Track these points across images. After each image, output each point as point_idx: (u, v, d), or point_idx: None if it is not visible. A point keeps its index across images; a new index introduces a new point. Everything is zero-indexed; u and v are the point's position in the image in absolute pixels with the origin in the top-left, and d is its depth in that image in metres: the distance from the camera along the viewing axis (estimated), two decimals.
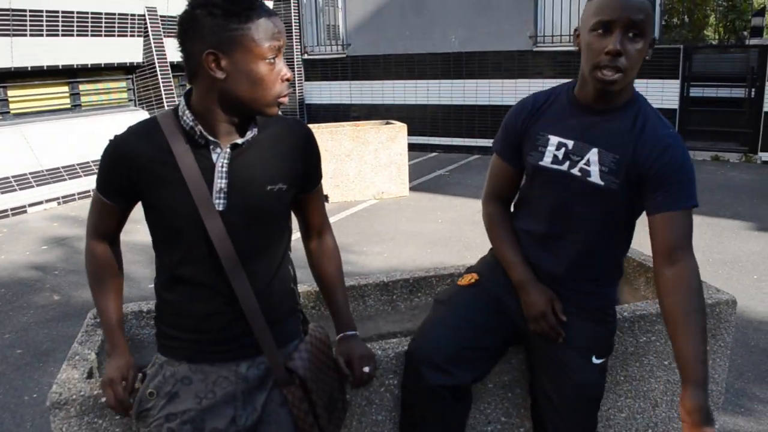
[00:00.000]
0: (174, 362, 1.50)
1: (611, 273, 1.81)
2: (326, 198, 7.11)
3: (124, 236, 1.62)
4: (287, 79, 1.42)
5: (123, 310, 1.64)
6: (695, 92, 9.00)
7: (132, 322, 2.13)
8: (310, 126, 7.82)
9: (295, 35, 11.18)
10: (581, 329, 1.75)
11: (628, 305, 2.05)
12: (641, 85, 8.48)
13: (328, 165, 7.04)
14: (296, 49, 11.21)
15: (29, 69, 7.44)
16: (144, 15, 8.46)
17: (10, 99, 7.60)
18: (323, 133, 7.02)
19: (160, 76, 8.76)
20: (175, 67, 8.85)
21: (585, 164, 1.63)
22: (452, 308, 1.81)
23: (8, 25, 7.00)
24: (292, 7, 11.07)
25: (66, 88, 8.18)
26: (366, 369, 1.66)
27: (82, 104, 8.42)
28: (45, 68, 7.55)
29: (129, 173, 1.42)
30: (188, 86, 1.48)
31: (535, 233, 1.77)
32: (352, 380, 1.67)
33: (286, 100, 1.45)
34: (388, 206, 6.92)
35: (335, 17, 11.12)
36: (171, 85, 8.95)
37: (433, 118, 10.38)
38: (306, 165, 1.57)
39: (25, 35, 7.20)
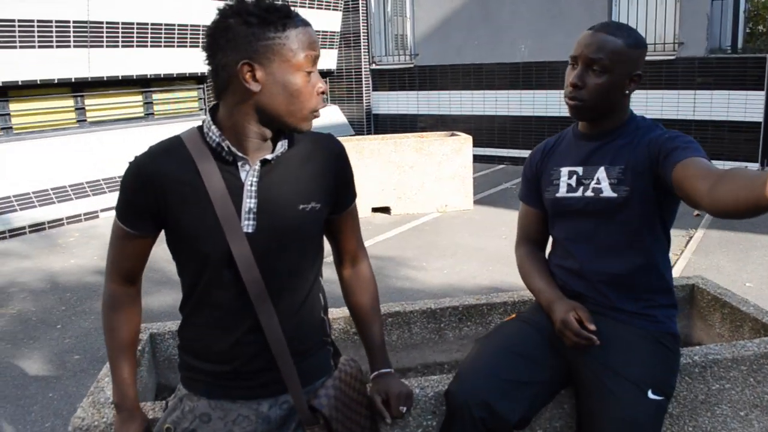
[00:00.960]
0: (194, 397, 1.42)
1: (658, 289, 1.74)
2: (388, 210, 7.04)
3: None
4: (322, 92, 1.34)
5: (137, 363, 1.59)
6: None
7: (168, 342, 2.08)
8: (377, 136, 7.84)
9: (364, 45, 11.18)
10: (635, 356, 1.63)
11: (700, 348, 1.84)
12: (722, 97, 8.02)
13: (391, 176, 6.95)
14: (364, 59, 11.22)
15: (105, 79, 7.70)
16: None
17: (87, 108, 7.89)
18: (387, 145, 6.93)
19: None
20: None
21: (596, 183, 1.71)
22: (493, 340, 1.72)
23: (86, 36, 7.27)
24: (361, 17, 11.09)
25: (140, 98, 8.43)
26: (403, 408, 1.53)
27: (155, 113, 8.67)
28: (120, 78, 7.80)
29: (155, 195, 1.33)
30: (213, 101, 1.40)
31: (571, 266, 1.76)
32: (388, 419, 1.55)
33: (318, 115, 1.36)
34: (452, 220, 6.76)
35: (403, 27, 11.06)
36: None
37: (500, 129, 10.14)
38: (338, 183, 1.47)
39: (102, 46, 7.46)
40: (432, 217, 6.91)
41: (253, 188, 1.35)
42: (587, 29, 1.69)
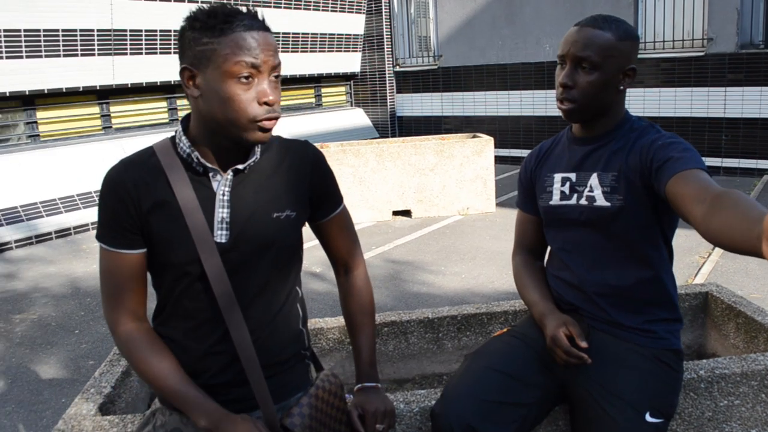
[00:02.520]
0: (166, 411, 1.39)
1: (659, 303, 1.63)
2: (409, 213, 6.97)
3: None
4: (266, 102, 1.24)
5: None
6: None
7: None
8: (397, 139, 7.79)
9: (387, 48, 11.14)
10: (633, 376, 1.53)
11: (706, 362, 1.74)
12: (754, 94, 7.78)
13: (412, 179, 6.89)
14: (388, 61, 11.17)
15: (129, 86, 7.79)
16: None
17: (112, 114, 8.00)
18: (407, 147, 6.88)
19: None
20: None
21: (589, 191, 1.62)
22: (481, 358, 1.62)
23: (110, 44, 7.37)
24: (384, 20, 11.05)
25: (164, 104, 8.52)
26: (379, 426, 1.47)
27: (179, 119, 8.73)
28: (144, 85, 7.89)
29: (133, 203, 1.30)
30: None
31: (566, 277, 1.67)
32: None
33: (269, 124, 1.26)
34: (473, 223, 6.67)
35: (427, 28, 10.99)
36: None
37: (526, 129, 10.00)
38: (317, 188, 1.43)
39: (126, 54, 7.55)
40: (453, 220, 6.83)
41: (226, 198, 1.32)
42: (573, 25, 1.60)
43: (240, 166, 1.32)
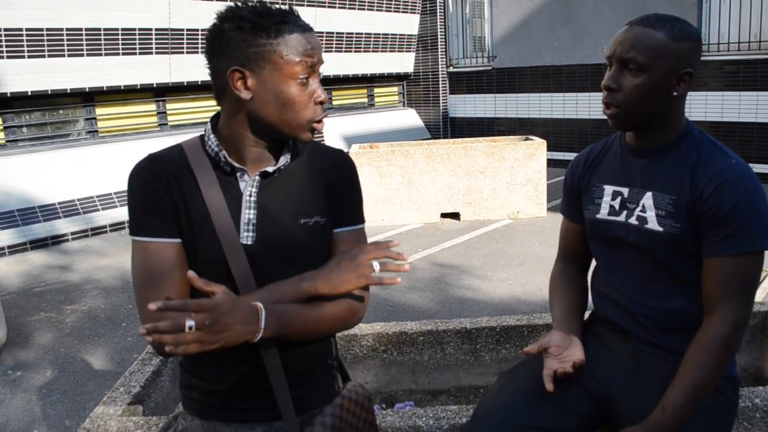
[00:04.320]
0: (188, 416, 1.36)
1: None
2: (457, 216, 6.88)
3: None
4: (321, 102, 1.26)
5: None
6: None
7: None
8: (447, 141, 7.68)
9: (441, 48, 11.04)
10: None
11: (763, 389, 1.61)
12: None
13: (461, 182, 6.79)
14: (441, 61, 11.08)
15: (185, 84, 7.94)
16: None
17: (168, 112, 8.17)
18: (456, 149, 6.78)
19: None
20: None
21: (641, 211, 1.49)
22: (515, 378, 1.52)
23: (167, 43, 7.52)
24: (438, 19, 10.95)
25: None
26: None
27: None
28: (199, 83, 8.03)
29: (166, 191, 1.27)
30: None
31: (612, 295, 1.55)
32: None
33: (321, 126, 1.29)
34: (522, 227, 6.52)
35: (482, 29, 10.83)
36: None
37: (581, 132, 9.74)
38: (342, 201, 1.38)
39: (182, 53, 7.70)
40: (502, 224, 6.70)
41: (252, 199, 1.29)
42: (626, 24, 1.46)
43: (269, 169, 1.30)
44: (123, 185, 7.12)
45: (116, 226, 6.97)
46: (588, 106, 9.58)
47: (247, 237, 1.28)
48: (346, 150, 1.44)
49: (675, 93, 1.42)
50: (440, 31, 11.01)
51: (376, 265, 1.27)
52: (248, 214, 1.29)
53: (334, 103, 10.56)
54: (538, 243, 5.91)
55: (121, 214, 7.04)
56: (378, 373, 2.05)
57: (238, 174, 1.30)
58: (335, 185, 1.37)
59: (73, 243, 6.58)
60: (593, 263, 1.70)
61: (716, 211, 1.37)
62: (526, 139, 7.22)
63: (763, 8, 7.82)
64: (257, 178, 1.29)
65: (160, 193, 1.27)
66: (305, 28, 1.23)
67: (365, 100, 11.16)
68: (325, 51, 8.40)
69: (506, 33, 10.28)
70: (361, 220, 1.42)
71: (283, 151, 1.32)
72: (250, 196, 1.29)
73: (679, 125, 1.48)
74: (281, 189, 1.32)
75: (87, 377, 3.60)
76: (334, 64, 9.66)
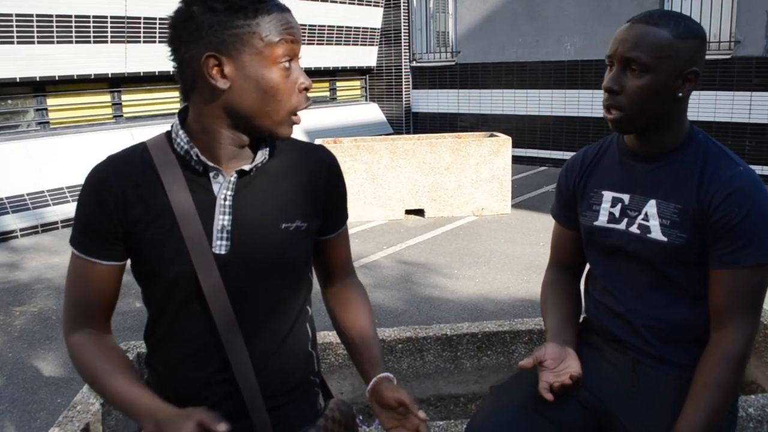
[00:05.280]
0: None
1: None
2: (422, 213, 6.81)
3: None
4: (305, 89, 1.13)
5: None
6: None
7: None
8: (412, 136, 7.61)
9: (405, 42, 10.96)
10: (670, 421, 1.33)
11: (756, 398, 1.57)
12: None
13: (426, 178, 6.72)
14: (405, 56, 11.00)
15: (142, 74, 7.67)
16: None
17: (123, 103, 7.88)
18: (422, 145, 6.71)
19: None
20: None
21: (643, 219, 1.41)
22: (509, 393, 1.44)
23: (123, 32, 7.24)
24: (402, 13, 10.86)
25: (176, 94, 8.38)
26: (422, 414, 1.18)
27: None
28: (157, 74, 7.76)
29: (116, 209, 1.14)
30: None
31: (610, 305, 1.48)
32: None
33: (299, 119, 1.15)
34: (487, 224, 6.49)
35: (445, 24, 10.79)
36: None
37: (543, 129, 9.79)
38: (329, 200, 1.27)
39: (139, 42, 7.42)
40: (467, 221, 6.66)
41: (228, 203, 1.16)
42: (627, 21, 1.38)
43: (246, 167, 1.17)
44: (75, 179, 6.84)
45: (68, 222, 6.68)
46: (551, 103, 9.63)
47: (220, 246, 1.16)
48: None
49: (680, 94, 1.34)
50: (404, 26, 10.92)
51: None
52: (222, 219, 1.16)
53: None
54: (503, 240, 5.89)
55: (74, 209, 6.75)
56: (354, 383, 1.96)
57: (211, 174, 1.16)
58: (324, 187, 1.26)
59: (22, 240, 6.28)
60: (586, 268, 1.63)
61: (726, 222, 1.31)
62: (491, 136, 7.20)
63: (723, 9, 7.96)
64: (233, 178, 1.16)
65: (107, 211, 1.14)
66: (283, 8, 1.12)
67: (327, 93, 11.01)
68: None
69: (470, 28, 10.25)
70: (347, 215, 1.34)
71: (261, 147, 1.20)
72: (225, 199, 1.16)
73: (683, 128, 1.41)
74: (260, 190, 1.19)
75: (38, 384, 3.40)
76: None
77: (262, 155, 1.19)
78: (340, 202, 1.31)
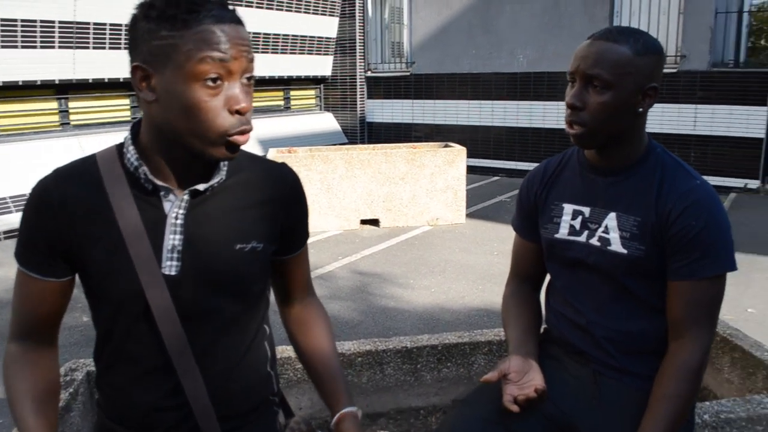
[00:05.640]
0: None
1: None
2: (377, 222, 6.81)
3: None
4: (238, 111, 1.03)
5: None
6: None
7: None
8: (367, 146, 7.60)
9: (360, 52, 10.98)
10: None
11: (710, 404, 1.61)
12: (723, 112, 7.84)
13: (381, 188, 6.72)
14: (359, 66, 11.02)
15: (90, 81, 7.47)
16: None
17: (70, 110, 7.66)
18: (377, 155, 6.71)
19: None
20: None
21: (603, 232, 1.43)
22: (472, 408, 1.43)
23: (71, 37, 7.04)
24: (357, 23, 10.89)
25: (126, 101, 8.20)
26: None
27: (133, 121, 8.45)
28: (106, 81, 7.57)
29: (61, 225, 1.09)
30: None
31: (571, 317, 1.49)
32: None
33: (242, 139, 1.05)
34: (442, 234, 6.53)
35: (400, 35, 10.87)
36: None
37: (497, 140, 9.93)
38: (290, 220, 1.23)
39: (88, 48, 7.23)
40: (422, 230, 6.68)
41: (179, 221, 1.10)
42: (587, 38, 1.40)
43: (200, 187, 1.11)
44: (19, 188, 6.61)
45: (11, 234, 6.44)
46: (504, 114, 9.78)
47: (170, 266, 1.10)
48: (262, 155, 1.29)
49: (640, 109, 1.36)
50: (359, 35, 10.95)
51: None
52: (173, 239, 1.10)
53: None
54: (458, 250, 5.93)
55: (17, 220, 6.52)
56: (313, 398, 1.92)
57: (161, 193, 1.11)
58: (286, 207, 1.22)
59: None
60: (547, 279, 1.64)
61: (684, 234, 1.33)
62: (446, 146, 7.26)
63: (670, 24, 8.24)
64: (185, 197, 1.11)
65: (50, 227, 1.09)
66: (221, 19, 1.01)
67: (281, 102, 10.93)
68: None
69: (425, 39, 10.35)
70: (308, 235, 1.30)
71: (219, 166, 1.14)
72: (176, 218, 1.10)
73: (642, 142, 1.43)
74: (216, 209, 1.14)
75: None
76: None
77: (219, 175, 1.13)
78: (301, 223, 1.27)
